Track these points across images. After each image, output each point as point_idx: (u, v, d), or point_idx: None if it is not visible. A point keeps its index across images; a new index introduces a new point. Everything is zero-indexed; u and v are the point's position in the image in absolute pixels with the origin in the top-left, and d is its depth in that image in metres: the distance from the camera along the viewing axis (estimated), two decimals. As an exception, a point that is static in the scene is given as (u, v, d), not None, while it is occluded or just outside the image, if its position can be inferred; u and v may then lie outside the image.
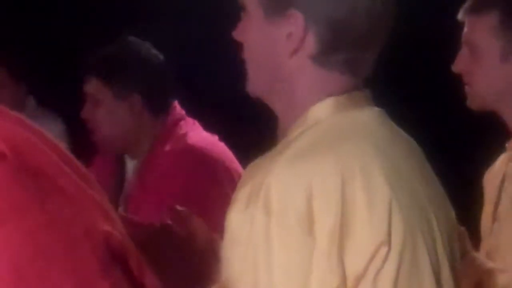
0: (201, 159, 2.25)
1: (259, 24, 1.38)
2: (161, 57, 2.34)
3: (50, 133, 2.55)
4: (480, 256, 1.89)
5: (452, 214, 1.45)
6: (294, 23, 1.34)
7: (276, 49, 1.37)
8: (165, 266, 1.58)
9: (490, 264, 1.83)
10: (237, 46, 1.43)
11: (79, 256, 0.70)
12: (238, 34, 1.42)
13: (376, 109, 1.40)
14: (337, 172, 1.25)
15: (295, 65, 1.36)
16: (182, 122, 2.33)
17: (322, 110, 1.36)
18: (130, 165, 2.36)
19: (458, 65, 2.05)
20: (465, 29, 2.04)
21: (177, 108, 2.35)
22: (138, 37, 2.39)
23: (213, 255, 1.34)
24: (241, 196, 1.27)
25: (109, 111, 2.29)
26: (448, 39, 2.14)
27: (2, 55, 3.98)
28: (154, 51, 2.34)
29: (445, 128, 3.16)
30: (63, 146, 0.75)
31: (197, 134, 2.33)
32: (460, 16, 2.05)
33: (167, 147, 2.28)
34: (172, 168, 2.24)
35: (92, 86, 2.29)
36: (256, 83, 1.42)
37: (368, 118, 1.38)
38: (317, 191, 1.23)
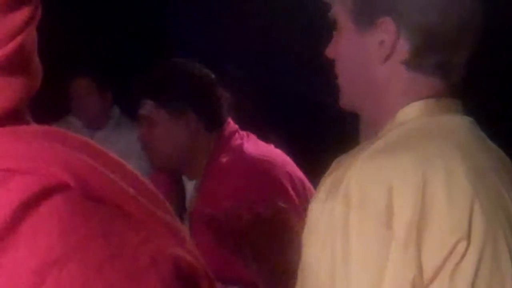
0: (259, 167, 2.27)
1: (351, 36, 1.41)
2: (212, 75, 2.38)
3: (134, 142, 2.53)
4: None
5: None
6: (386, 30, 1.37)
7: (369, 58, 1.39)
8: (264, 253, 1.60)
9: None
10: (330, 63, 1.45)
11: (145, 285, 0.65)
12: (330, 52, 1.46)
13: (465, 117, 1.41)
14: (419, 168, 1.26)
15: (388, 71, 1.39)
16: (236, 135, 2.36)
17: (410, 112, 1.37)
18: (190, 186, 2.38)
19: None
20: None
21: (231, 123, 2.39)
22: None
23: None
24: (323, 188, 1.30)
25: (165, 131, 2.31)
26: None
27: (87, 65, 4.05)
28: (204, 69, 2.39)
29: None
30: (129, 166, 0.71)
31: (253, 144, 2.35)
32: None
33: (224, 159, 2.31)
34: (231, 179, 2.25)
35: (147, 109, 2.32)
36: (350, 96, 1.45)
37: (455, 124, 1.39)
38: (397, 185, 1.24)
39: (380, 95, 1.40)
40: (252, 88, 3.38)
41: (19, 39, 0.67)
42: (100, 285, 0.63)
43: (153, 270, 0.65)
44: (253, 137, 2.39)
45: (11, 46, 0.66)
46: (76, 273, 0.62)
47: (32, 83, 0.69)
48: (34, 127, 0.69)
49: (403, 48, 1.37)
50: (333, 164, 1.35)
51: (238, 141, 2.33)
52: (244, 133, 2.38)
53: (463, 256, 1.25)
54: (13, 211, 0.62)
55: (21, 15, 0.67)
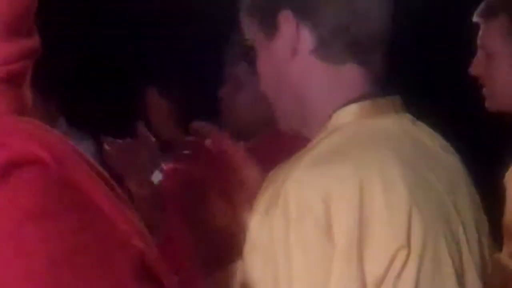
0: None
1: (262, 49, 1.40)
2: None
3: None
4: (504, 257, 1.90)
5: (485, 221, 1.45)
6: (285, 23, 1.35)
7: (281, 60, 1.37)
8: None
9: None
10: None
11: (115, 263, 0.72)
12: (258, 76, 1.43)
13: (402, 115, 1.39)
14: (356, 177, 1.25)
15: (301, 66, 1.36)
16: None
17: (345, 117, 1.35)
18: None
19: (475, 68, 2.07)
20: (480, 33, 2.05)
21: None
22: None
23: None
24: (262, 201, 1.29)
25: (248, 99, 2.33)
26: (465, 41, 2.16)
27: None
28: None
29: (465, 130, 3.17)
30: (98, 165, 0.80)
31: None
32: (474, 18, 2.07)
33: None
34: None
35: (241, 69, 2.34)
36: (284, 116, 1.43)
37: (391, 125, 1.37)
38: (335, 196, 1.23)
39: (304, 97, 1.37)
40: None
41: (23, 63, 0.82)
42: (70, 247, 0.70)
43: (122, 251, 0.73)
44: None
45: (15, 66, 0.81)
46: (52, 229, 0.70)
47: (24, 101, 0.83)
48: (27, 118, 0.80)
49: (307, 39, 1.34)
50: (269, 176, 1.34)
51: None
52: None
53: (404, 264, 1.24)
54: None
55: (28, 44, 0.82)
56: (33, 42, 0.83)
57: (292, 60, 1.36)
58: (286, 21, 1.35)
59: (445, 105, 3.34)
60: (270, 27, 1.37)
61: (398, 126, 1.38)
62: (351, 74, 1.37)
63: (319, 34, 1.34)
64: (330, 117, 1.36)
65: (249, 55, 2.28)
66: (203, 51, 2.70)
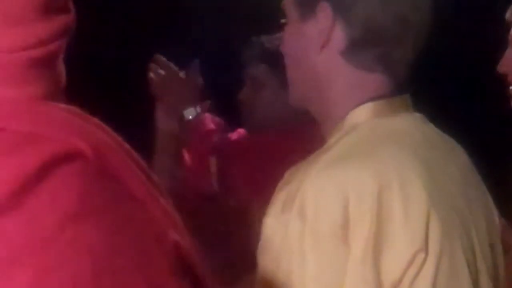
0: None
1: (294, 26, 1.39)
2: None
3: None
4: None
5: (495, 216, 1.44)
6: (323, 16, 1.34)
7: (308, 47, 1.37)
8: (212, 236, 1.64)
9: None
10: None
11: (152, 259, 0.73)
12: (282, 46, 1.44)
13: (416, 114, 1.39)
14: (374, 179, 1.24)
15: (327, 61, 1.36)
16: None
17: (360, 116, 1.35)
18: None
19: (504, 65, 2.05)
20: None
21: None
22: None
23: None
24: (277, 201, 1.28)
25: (268, 99, 2.34)
26: (494, 40, 2.13)
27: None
28: None
29: (486, 129, 3.15)
30: (136, 154, 0.80)
31: None
32: (507, 15, 2.04)
33: None
34: None
35: (260, 71, 2.34)
36: (297, 93, 1.43)
37: (406, 124, 1.37)
38: (353, 199, 1.22)
39: (323, 89, 1.37)
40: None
41: (59, 42, 0.78)
42: (110, 248, 0.70)
43: (158, 246, 0.73)
44: None
45: (51, 47, 0.78)
46: (92, 231, 0.70)
47: (59, 80, 0.80)
48: (64, 105, 0.78)
49: (339, 37, 1.34)
50: (286, 176, 1.33)
51: None
52: None
53: (420, 268, 1.24)
54: (36, 168, 0.70)
55: (63, 21, 0.79)
56: (69, 17, 0.80)
57: (321, 51, 1.36)
58: (324, 12, 1.34)
59: (467, 103, 3.32)
60: (307, 9, 1.36)
61: (413, 125, 1.38)
62: (376, 80, 1.37)
63: (352, 35, 1.34)
64: (345, 116, 1.36)
65: (268, 56, 2.27)
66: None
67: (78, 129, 0.75)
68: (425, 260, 1.24)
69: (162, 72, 2.32)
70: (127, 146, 0.79)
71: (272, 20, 1.56)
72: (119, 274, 0.70)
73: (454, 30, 3.29)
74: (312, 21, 1.36)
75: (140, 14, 3.55)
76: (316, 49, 1.36)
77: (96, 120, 0.78)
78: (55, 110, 0.76)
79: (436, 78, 3.20)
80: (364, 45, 1.34)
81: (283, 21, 1.43)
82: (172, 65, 2.33)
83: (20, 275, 0.67)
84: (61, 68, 0.80)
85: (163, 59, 2.33)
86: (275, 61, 2.19)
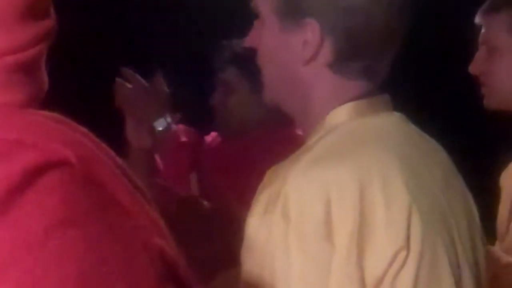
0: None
1: (274, 32, 1.38)
2: None
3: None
4: (497, 250, 1.90)
5: (476, 216, 1.45)
6: (310, 31, 1.34)
7: (292, 57, 1.37)
8: (190, 237, 1.63)
9: (507, 259, 1.84)
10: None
11: (139, 267, 0.72)
12: (251, 40, 1.44)
13: (395, 113, 1.40)
14: (355, 177, 1.25)
15: (311, 72, 1.37)
16: None
17: (340, 116, 1.36)
18: None
19: (476, 67, 2.08)
20: (483, 30, 2.04)
21: None
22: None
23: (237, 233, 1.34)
24: (259, 202, 1.28)
25: (241, 102, 2.33)
26: (463, 43, 2.17)
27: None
28: None
29: (462, 129, 3.19)
30: (121, 160, 0.79)
31: None
32: (477, 19, 2.08)
33: None
34: None
35: (231, 75, 2.33)
36: (272, 91, 1.43)
37: (387, 123, 1.38)
38: (334, 197, 1.23)
39: (304, 96, 1.38)
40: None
41: (40, 47, 0.77)
42: (96, 255, 0.69)
43: (145, 254, 0.73)
44: None
45: (32, 52, 0.76)
46: (78, 238, 0.69)
47: (41, 86, 0.79)
48: (47, 112, 0.77)
49: (327, 50, 1.35)
50: (266, 176, 1.33)
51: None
52: None
53: (402, 265, 1.24)
54: (20, 176, 0.69)
55: (44, 26, 0.77)
56: (50, 22, 0.78)
57: (305, 65, 1.37)
58: (312, 29, 1.34)
59: (442, 104, 3.36)
60: (290, 21, 1.36)
61: (393, 124, 1.39)
62: (357, 84, 1.38)
63: (339, 49, 1.35)
64: (325, 116, 1.37)
65: (238, 60, 2.26)
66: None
67: (62, 136, 0.74)
68: (407, 257, 1.25)
69: (128, 85, 2.29)
70: (112, 153, 0.78)
71: (240, 25, 1.58)
72: (105, 282, 0.69)
73: (429, 33, 3.33)
74: (295, 32, 1.36)
75: (106, 28, 3.55)
76: (301, 61, 1.37)
77: (81, 127, 0.77)
78: (38, 117, 0.75)
79: (412, 78, 3.24)
80: (351, 57, 1.35)
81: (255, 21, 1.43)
82: (138, 77, 2.30)
83: (3, 284, 0.66)
84: (43, 73, 0.79)
85: (130, 71, 2.30)
86: (246, 64, 2.24)
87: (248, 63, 2.22)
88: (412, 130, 1.42)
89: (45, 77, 0.79)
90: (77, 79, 3.28)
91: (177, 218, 1.68)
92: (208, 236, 1.74)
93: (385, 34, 1.36)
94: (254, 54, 2.28)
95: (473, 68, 2.08)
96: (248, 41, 1.45)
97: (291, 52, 1.37)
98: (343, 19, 1.33)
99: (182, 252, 0.78)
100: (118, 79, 2.30)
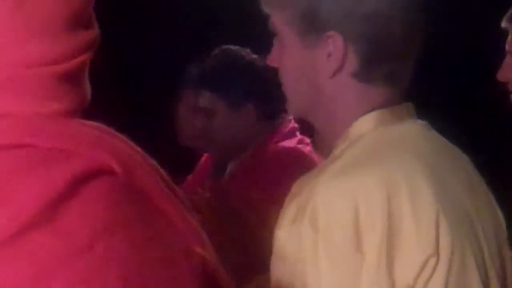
0: (295, 157, 2.24)
1: (295, 49, 1.39)
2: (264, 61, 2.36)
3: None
4: None
5: (502, 222, 1.46)
6: (333, 43, 1.35)
7: (317, 71, 1.38)
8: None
9: None
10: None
11: (181, 273, 0.73)
12: (273, 60, 1.44)
13: (419, 121, 1.41)
14: (382, 186, 1.25)
15: (337, 83, 1.37)
16: (295, 133, 2.31)
17: (365, 125, 1.36)
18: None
19: (503, 73, 2.06)
20: (509, 37, 2.05)
21: (292, 121, 2.32)
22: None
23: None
24: (288, 213, 1.29)
25: (222, 124, 2.28)
26: (492, 48, 2.15)
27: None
28: (255, 56, 2.32)
29: (489, 136, 3.17)
30: (162, 169, 0.80)
31: (307, 148, 2.29)
32: (503, 23, 2.06)
33: (271, 153, 2.27)
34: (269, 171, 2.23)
35: (206, 100, 2.28)
36: (297, 105, 1.44)
37: (411, 131, 1.38)
38: (362, 207, 1.24)
39: (330, 107, 1.39)
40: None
41: (84, 57, 0.79)
42: (139, 261, 0.71)
43: (186, 262, 0.75)
44: (308, 143, 2.32)
45: (77, 61, 0.78)
46: (122, 244, 0.71)
47: (85, 95, 0.81)
48: (90, 122, 0.79)
49: (352, 60, 1.35)
50: (293, 188, 1.33)
51: (293, 142, 2.29)
52: (303, 137, 2.32)
53: (432, 272, 1.25)
54: (66, 184, 0.71)
55: (88, 36, 0.79)
56: (93, 33, 0.80)
57: (331, 77, 1.37)
58: (335, 42, 1.35)
59: (471, 110, 3.34)
60: (311, 37, 1.37)
61: (417, 132, 1.39)
62: (382, 92, 1.39)
63: (363, 57, 1.35)
64: (350, 126, 1.37)
65: (209, 82, 2.24)
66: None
67: (106, 145, 0.75)
68: (436, 264, 1.25)
69: None
70: (153, 162, 0.79)
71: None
72: (147, 286, 0.71)
73: (454, 40, 3.32)
74: (318, 47, 1.36)
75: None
76: (327, 74, 1.37)
77: (122, 136, 0.79)
78: (82, 127, 0.77)
79: (437, 87, 3.22)
80: (376, 63, 1.36)
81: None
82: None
83: None
84: (86, 83, 0.81)
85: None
86: (217, 84, 2.24)
87: (218, 82, 2.25)
88: (436, 138, 1.42)
89: (88, 87, 0.81)
90: (121, 90, 3.30)
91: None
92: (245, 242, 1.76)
93: (406, 37, 1.36)
94: (223, 72, 2.25)
95: (501, 75, 2.06)
96: (269, 61, 1.46)
97: (317, 67, 1.38)
98: (364, 27, 1.34)
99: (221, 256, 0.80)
100: None
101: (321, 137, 1.45)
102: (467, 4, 3.42)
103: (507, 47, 2.05)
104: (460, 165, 1.42)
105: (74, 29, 0.77)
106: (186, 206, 0.80)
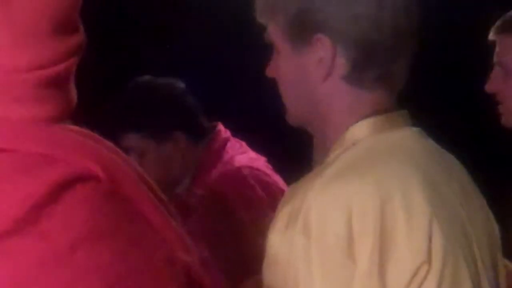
0: (243, 182, 2.18)
1: (288, 57, 1.40)
2: (180, 84, 2.26)
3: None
4: None
5: (495, 229, 1.45)
6: (322, 47, 1.35)
7: (309, 77, 1.38)
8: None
9: None
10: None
11: (162, 281, 0.73)
12: (270, 71, 1.45)
13: (414, 129, 1.41)
14: (376, 193, 1.25)
15: (329, 87, 1.37)
16: (228, 146, 2.26)
17: (360, 131, 1.36)
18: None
19: (491, 85, 2.07)
20: (496, 49, 2.04)
21: (222, 131, 2.29)
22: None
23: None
24: (280, 218, 1.28)
25: (156, 159, 2.21)
26: (480, 60, 2.16)
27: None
28: (170, 81, 2.27)
29: (479, 147, 3.18)
30: (148, 176, 0.80)
31: (244, 157, 2.25)
32: (490, 36, 2.07)
33: (214, 175, 2.20)
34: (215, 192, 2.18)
35: (131, 141, 2.20)
36: (295, 113, 1.44)
37: (406, 138, 1.38)
38: (355, 213, 1.23)
39: (325, 112, 1.39)
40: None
41: (70, 61, 0.78)
42: (123, 268, 0.71)
43: (168, 269, 0.74)
44: (244, 146, 2.30)
45: (62, 66, 0.77)
46: (105, 251, 0.71)
47: (70, 100, 0.80)
48: (75, 127, 0.79)
49: (341, 63, 1.35)
50: (287, 192, 1.34)
51: (229, 154, 2.24)
52: (235, 142, 2.28)
53: (424, 279, 1.25)
54: (49, 190, 0.71)
55: (74, 41, 0.79)
56: (79, 37, 0.80)
57: (323, 82, 1.37)
58: (323, 45, 1.35)
59: (460, 122, 3.34)
60: (300, 41, 1.37)
61: (412, 139, 1.39)
62: (375, 97, 1.39)
63: (353, 59, 1.35)
64: (345, 132, 1.37)
65: (135, 125, 2.17)
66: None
67: (90, 151, 0.75)
68: (428, 271, 1.25)
69: None
70: (139, 168, 0.79)
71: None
72: None
73: (444, 49, 3.33)
74: (308, 52, 1.37)
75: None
76: (319, 79, 1.37)
77: (108, 142, 0.78)
78: (66, 132, 0.76)
79: (429, 96, 3.23)
80: (366, 65, 1.36)
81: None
82: None
83: None
84: (72, 88, 0.80)
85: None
86: (139, 124, 2.17)
87: (140, 121, 2.18)
88: (430, 145, 1.42)
89: (74, 92, 0.80)
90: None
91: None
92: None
93: (395, 37, 1.36)
94: (141, 110, 2.19)
95: (489, 87, 2.07)
96: (268, 72, 1.46)
97: (308, 72, 1.38)
98: (351, 28, 1.34)
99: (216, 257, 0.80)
100: None
101: (319, 146, 1.44)
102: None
103: (494, 59, 2.06)
104: (454, 173, 1.41)
105: (61, 33, 0.77)
106: (170, 212, 0.79)
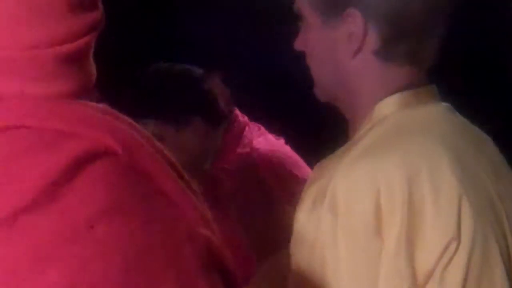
0: (269, 164, 2.20)
1: (318, 30, 1.39)
2: (198, 70, 2.27)
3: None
4: None
5: None
6: (353, 22, 1.35)
7: (339, 51, 1.37)
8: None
9: None
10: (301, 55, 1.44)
11: (182, 257, 0.73)
12: (299, 44, 1.44)
13: (442, 104, 1.40)
14: (403, 169, 1.24)
15: (360, 63, 1.37)
16: (246, 129, 2.28)
17: (388, 107, 1.36)
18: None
19: None
20: None
21: (239, 115, 2.30)
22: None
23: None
24: (308, 196, 1.28)
25: (175, 144, 2.19)
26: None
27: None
28: (189, 68, 2.28)
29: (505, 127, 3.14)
30: (168, 152, 0.80)
31: (263, 140, 2.27)
32: None
33: (233, 159, 2.23)
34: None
35: (149, 127, 2.16)
36: (324, 88, 1.43)
37: (434, 114, 1.37)
38: (383, 191, 1.23)
39: (354, 87, 1.38)
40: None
41: (88, 37, 0.78)
42: (142, 243, 0.70)
43: (189, 244, 0.74)
44: (263, 131, 2.31)
45: (81, 42, 0.77)
46: (123, 227, 0.70)
47: (89, 76, 0.80)
48: (94, 103, 0.78)
49: (372, 38, 1.35)
50: (315, 170, 1.34)
51: (248, 138, 2.25)
52: (255, 126, 2.30)
53: (453, 256, 1.24)
54: (67, 165, 0.71)
55: (92, 17, 0.79)
56: (97, 13, 0.80)
57: (353, 57, 1.37)
58: (354, 20, 1.35)
59: (494, 95, 3.31)
60: (331, 15, 1.37)
61: (440, 115, 1.38)
62: (404, 72, 1.38)
63: (384, 34, 1.35)
64: (373, 108, 1.36)
65: (155, 111, 2.18)
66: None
67: (108, 127, 0.75)
68: (457, 248, 1.24)
69: None
70: (157, 144, 0.79)
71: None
72: (149, 271, 0.70)
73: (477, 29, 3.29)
74: (339, 26, 1.36)
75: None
76: (349, 53, 1.37)
77: (126, 117, 0.78)
78: (85, 108, 0.76)
79: (461, 72, 3.20)
80: (397, 41, 1.35)
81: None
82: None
83: (50, 270, 0.67)
84: (91, 64, 0.80)
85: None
86: (158, 111, 2.18)
87: (159, 108, 2.20)
88: (459, 121, 1.41)
89: (93, 68, 0.80)
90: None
91: None
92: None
93: (426, 15, 1.35)
94: (160, 96, 2.21)
95: None
96: (296, 45, 1.45)
97: (338, 46, 1.37)
98: (383, 3, 1.33)
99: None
100: None
101: (348, 120, 1.43)
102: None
103: None
104: (483, 149, 1.40)
105: (78, 10, 0.77)
106: (191, 188, 0.79)
